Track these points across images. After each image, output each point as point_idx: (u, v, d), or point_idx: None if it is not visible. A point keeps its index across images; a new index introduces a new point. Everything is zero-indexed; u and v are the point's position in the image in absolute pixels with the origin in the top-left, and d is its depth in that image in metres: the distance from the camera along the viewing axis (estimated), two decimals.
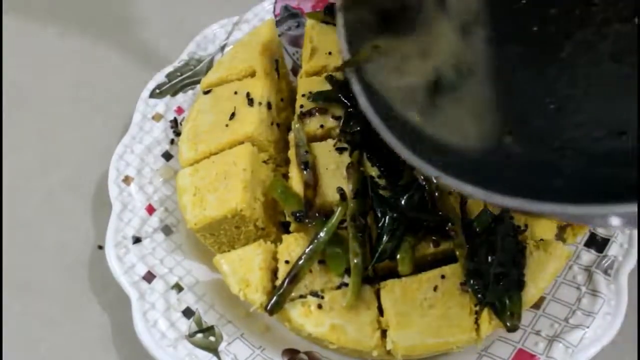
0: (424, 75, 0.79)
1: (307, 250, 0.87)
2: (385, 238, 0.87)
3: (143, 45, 1.31)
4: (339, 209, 0.89)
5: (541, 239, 0.91)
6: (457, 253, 0.86)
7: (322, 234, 0.87)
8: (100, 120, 1.21)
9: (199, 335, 0.91)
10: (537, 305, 0.92)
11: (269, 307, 0.85)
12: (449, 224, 0.87)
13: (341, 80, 1.02)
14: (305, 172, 0.93)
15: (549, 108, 0.73)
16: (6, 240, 1.08)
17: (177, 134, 1.10)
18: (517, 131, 0.74)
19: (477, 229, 0.88)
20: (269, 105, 1.03)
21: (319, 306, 0.86)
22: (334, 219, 0.88)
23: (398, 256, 0.87)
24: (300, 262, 0.86)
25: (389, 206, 0.89)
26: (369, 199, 0.91)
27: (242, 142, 0.98)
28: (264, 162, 1.02)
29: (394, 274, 0.89)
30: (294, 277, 0.86)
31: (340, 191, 0.91)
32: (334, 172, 0.94)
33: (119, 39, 1.33)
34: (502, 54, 0.78)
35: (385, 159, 0.95)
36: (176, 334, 0.91)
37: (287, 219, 0.94)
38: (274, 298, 0.85)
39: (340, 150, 0.96)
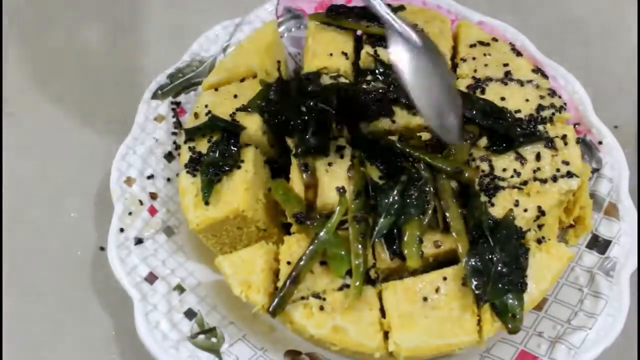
0: None
1: (307, 250, 0.87)
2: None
3: (145, 46, 1.31)
4: (339, 207, 0.89)
5: (543, 237, 0.91)
6: (460, 250, 0.86)
7: (322, 234, 0.87)
8: (102, 122, 1.21)
9: (201, 336, 0.91)
10: (539, 307, 0.92)
11: (270, 309, 0.85)
12: (450, 222, 0.88)
13: (343, 82, 1.02)
14: (305, 174, 0.93)
15: None
16: (8, 241, 1.08)
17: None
18: None
19: (480, 231, 0.88)
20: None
21: (321, 307, 0.86)
22: (334, 218, 0.88)
23: (406, 251, 0.87)
24: (302, 262, 0.86)
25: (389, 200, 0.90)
26: (370, 199, 0.91)
27: (246, 144, 0.98)
28: (265, 162, 1.02)
29: (396, 275, 0.89)
30: (296, 278, 0.86)
31: (340, 188, 0.91)
32: (335, 173, 0.94)
33: (122, 40, 1.34)
34: None
35: (387, 159, 0.95)
36: (178, 336, 0.91)
37: (289, 220, 0.94)
38: (276, 299, 0.85)
39: (341, 151, 0.96)
